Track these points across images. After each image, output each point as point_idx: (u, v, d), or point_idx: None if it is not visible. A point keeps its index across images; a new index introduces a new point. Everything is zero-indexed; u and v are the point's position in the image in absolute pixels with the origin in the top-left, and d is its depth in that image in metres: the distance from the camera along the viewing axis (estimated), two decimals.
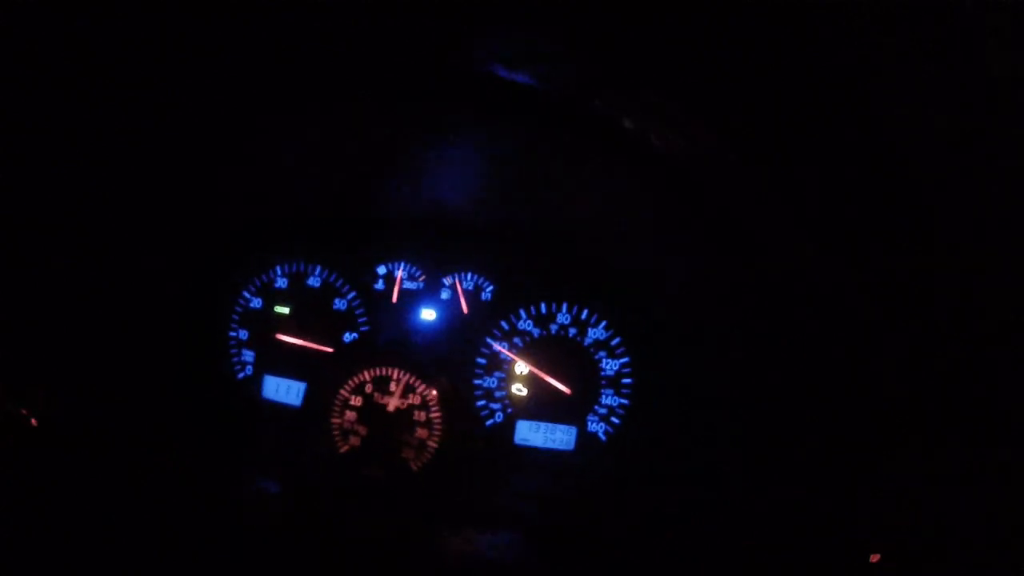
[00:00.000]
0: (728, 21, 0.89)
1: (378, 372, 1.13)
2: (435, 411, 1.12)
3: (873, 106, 0.97)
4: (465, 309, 1.49)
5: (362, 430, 1.11)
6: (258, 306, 1.55)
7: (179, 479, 1.33)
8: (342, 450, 1.13)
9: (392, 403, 1.12)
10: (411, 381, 1.13)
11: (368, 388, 1.13)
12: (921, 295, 1.14)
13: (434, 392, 1.12)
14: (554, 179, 1.37)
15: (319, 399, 1.15)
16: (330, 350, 1.45)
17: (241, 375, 1.55)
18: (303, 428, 1.17)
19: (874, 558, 1.15)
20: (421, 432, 1.12)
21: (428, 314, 1.49)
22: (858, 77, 0.94)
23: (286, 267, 1.54)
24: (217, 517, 1.27)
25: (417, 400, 1.12)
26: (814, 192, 1.15)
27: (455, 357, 1.47)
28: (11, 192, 1.24)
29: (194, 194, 1.47)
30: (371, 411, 1.12)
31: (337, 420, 1.13)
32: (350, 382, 1.13)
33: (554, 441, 1.50)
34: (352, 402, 1.13)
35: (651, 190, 1.33)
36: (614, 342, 1.50)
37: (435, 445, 1.12)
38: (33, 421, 1.37)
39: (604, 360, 1.50)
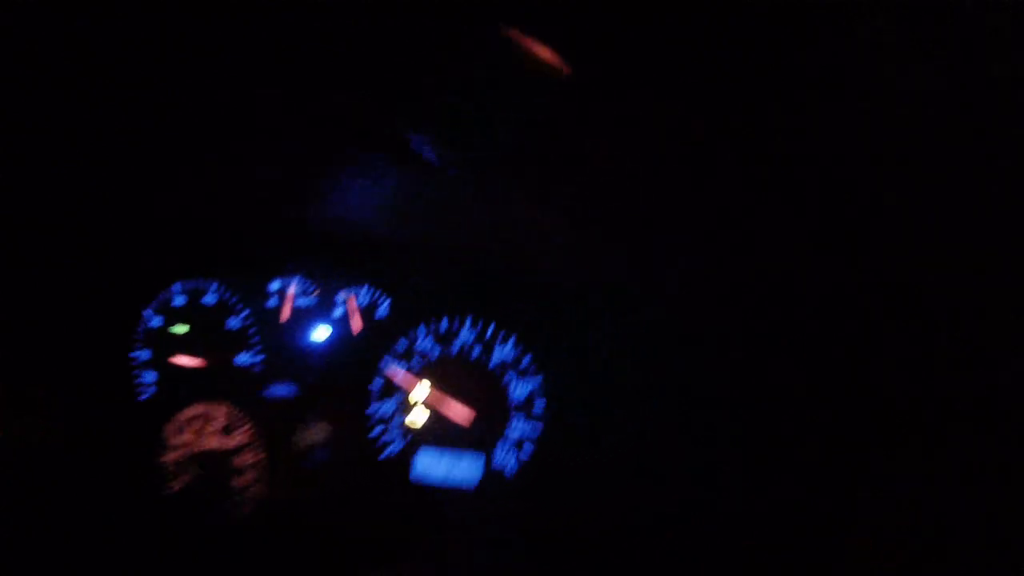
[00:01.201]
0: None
1: (204, 409, 1.03)
2: (259, 454, 1.00)
3: (871, 105, 0.93)
4: (356, 327, 1.36)
5: (192, 471, 1.01)
6: (158, 324, 1.48)
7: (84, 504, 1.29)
8: (175, 489, 1.02)
9: (214, 444, 1.01)
10: (235, 419, 1.01)
11: (194, 425, 1.03)
12: (913, 295, 1.08)
13: (258, 433, 1.00)
14: (458, 201, 1.26)
15: (149, 434, 1.05)
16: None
17: (144, 396, 1.49)
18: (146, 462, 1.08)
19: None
20: (247, 477, 1.00)
21: (321, 332, 1.38)
22: (855, 76, 0.90)
23: (186, 283, 1.47)
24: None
25: (242, 440, 1.00)
26: (807, 192, 1.10)
27: (346, 381, 1.35)
28: None
29: (99, 209, 1.44)
30: (198, 451, 1.01)
31: (164, 458, 1.03)
32: (174, 419, 1.03)
33: (459, 470, 1.34)
34: (177, 440, 1.03)
35: (562, 203, 1.20)
36: (524, 362, 1.33)
37: (263, 492, 1.00)
38: None
39: (514, 383, 1.33)
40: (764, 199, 1.14)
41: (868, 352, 1.13)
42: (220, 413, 1.03)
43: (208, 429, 1.03)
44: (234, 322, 1.42)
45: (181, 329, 1.46)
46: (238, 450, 1.02)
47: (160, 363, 1.47)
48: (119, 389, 1.50)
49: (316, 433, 1.14)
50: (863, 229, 1.09)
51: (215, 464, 1.02)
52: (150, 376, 1.49)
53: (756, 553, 1.06)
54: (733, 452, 1.16)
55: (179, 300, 1.47)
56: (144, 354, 1.49)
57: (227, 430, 1.03)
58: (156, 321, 1.49)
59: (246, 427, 1.02)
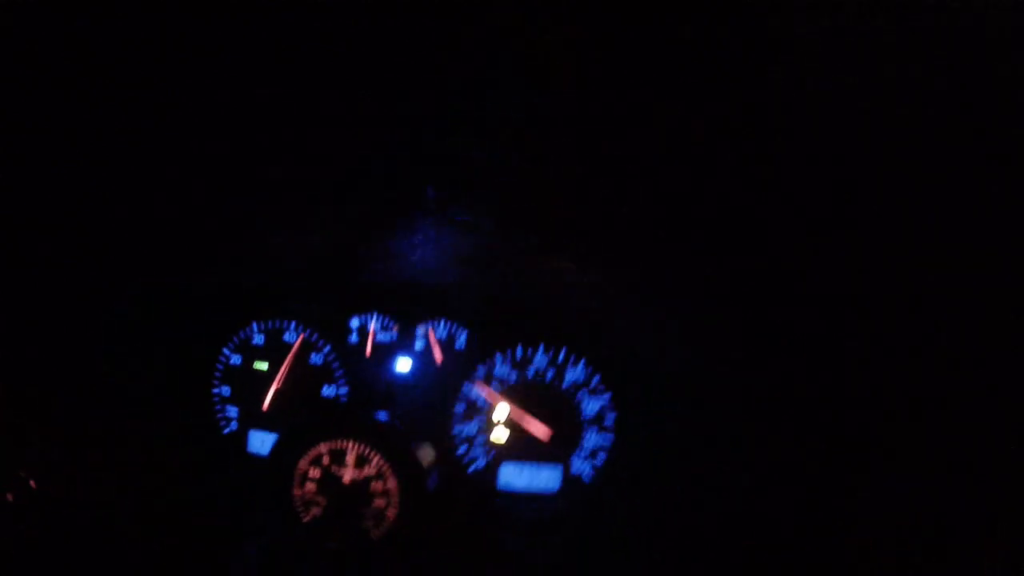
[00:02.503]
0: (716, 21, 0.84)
1: (334, 445, 1.14)
2: (390, 481, 1.12)
3: (871, 105, 0.93)
4: (439, 358, 1.48)
5: (322, 501, 1.13)
6: (238, 363, 1.56)
7: (170, 540, 1.37)
8: (305, 520, 1.14)
9: (347, 475, 1.12)
10: (365, 452, 1.13)
11: (325, 460, 1.14)
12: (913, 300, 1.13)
13: (387, 462, 1.13)
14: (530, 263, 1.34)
15: (280, 464, 1.16)
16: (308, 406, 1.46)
17: (227, 431, 1.57)
18: (269, 496, 1.18)
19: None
20: (378, 502, 1.13)
21: (403, 365, 1.48)
22: (852, 75, 0.89)
23: (262, 324, 1.54)
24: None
25: (372, 471, 1.13)
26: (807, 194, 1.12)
27: (433, 406, 1.47)
28: None
29: (179, 251, 1.47)
30: (329, 482, 1.13)
31: (298, 492, 1.14)
32: (308, 455, 1.14)
33: (539, 483, 1.49)
34: (311, 474, 1.14)
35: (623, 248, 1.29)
36: (594, 381, 1.47)
37: (394, 513, 1.12)
38: (32, 483, 1.41)
39: (585, 400, 1.48)
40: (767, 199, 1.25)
41: (857, 385, 1.23)
42: (349, 447, 1.14)
43: (340, 462, 1.15)
44: (317, 358, 1.51)
45: (261, 366, 1.54)
46: (369, 480, 1.13)
47: (241, 399, 1.56)
48: (202, 424, 1.58)
49: (427, 455, 1.27)
50: (857, 232, 1.14)
51: (348, 494, 1.13)
52: (232, 411, 1.57)
53: (822, 549, 1.23)
54: (795, 452, 1.31)
55: (258, 339, 1.55)
56: (224, 390, 1.57)
57: (359, 462, 1.14)
58: (236, 359, 1.56)
59: (376, 457, 1.13)
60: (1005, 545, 1.03)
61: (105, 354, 1.51)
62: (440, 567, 1.30)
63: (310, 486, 1.14)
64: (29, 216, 1.31)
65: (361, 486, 1.13)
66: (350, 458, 1.14)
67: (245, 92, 1.07)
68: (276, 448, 1.17)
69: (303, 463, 1.15)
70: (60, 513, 1.39)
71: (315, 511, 1.16)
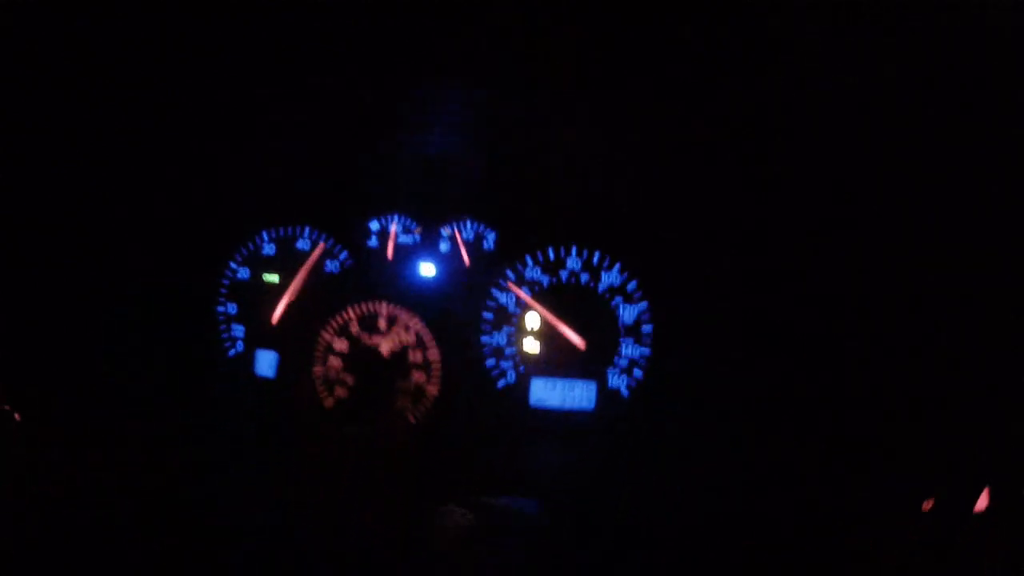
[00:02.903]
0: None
1: (364, 309, 0.98)
2: (432, 350, 0.97)
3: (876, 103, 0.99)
4: (467, 260, 1.37)
5: (349, 379, 0.96)
6: (246, 277, 1.44)
7: (172, 470, 1.23)
8: (327, 405, 0.98)
9: (385, 345, 0.98)
10: (400, 315, 0.98)
11: (353, 329, 0.98)
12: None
13: (427, 329, 0.98)
14: (559, 134, 1.29)
15: (297, 351, 1.01)
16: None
17: (232, 352, 1.45)
18: (286, 391, 1.04)
19: (927, 505, 1.08)
20: (418, 376, 0.97)
21: (427, 269, 1.37)
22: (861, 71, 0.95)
23: (273, 232, 1.44)
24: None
25: (411, 339, 0.97)
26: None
27: (459, 313, 1.35)
28: None
29: (177, 168, 1.39)
30: (358, 355, 0.97)
31: (320, 369, 0.98)
32: (332, 323, 0.98)
33: (573, 399, 1.37)
34: (336, 346, 0.98)
35: (664, 140, 1.25)
36: (630, 287, 1.37)
37: (435, 391, 0.97)
38: (16, 416, 1.29)
39: (621, 307, 1.37)
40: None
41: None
42: (383, 310, 1.00)
43: (371, 329, 0.99)
44: (333, 266, 1.40)
45: (272, 278, 1.43)
46: (406, 350, 0.99)
47: (248, 317, 1.44)
48: (207, 345, 1.45)
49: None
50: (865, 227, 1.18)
51: (380, 366, 0.98)
52: (238, 330, 1.45)
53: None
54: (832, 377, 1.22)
55: (268, 249, 1.44)
56: (231, 307, 1.45)
57: (390, 327, 0.99)
58: (243, 273, 1.45)
59: (416, 323, 0.99)
60: (1005, 545, 1.00)
61: (104, 268, 1.39)
62: (469, 482, 1.17)
63: (335, 361, 1.00)
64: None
65: (397, 357, 0.98)
66: (383, 324, 0.99)
67: None
68: (296, 326, 1.04)
69: (327, 333, 1.00)
70: (55, 452, 1.25)
71: (340, 392, 1.01)
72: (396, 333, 0.98)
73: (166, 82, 1.25)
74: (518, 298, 1.36)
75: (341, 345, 0.98)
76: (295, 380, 1.00)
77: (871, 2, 0.82)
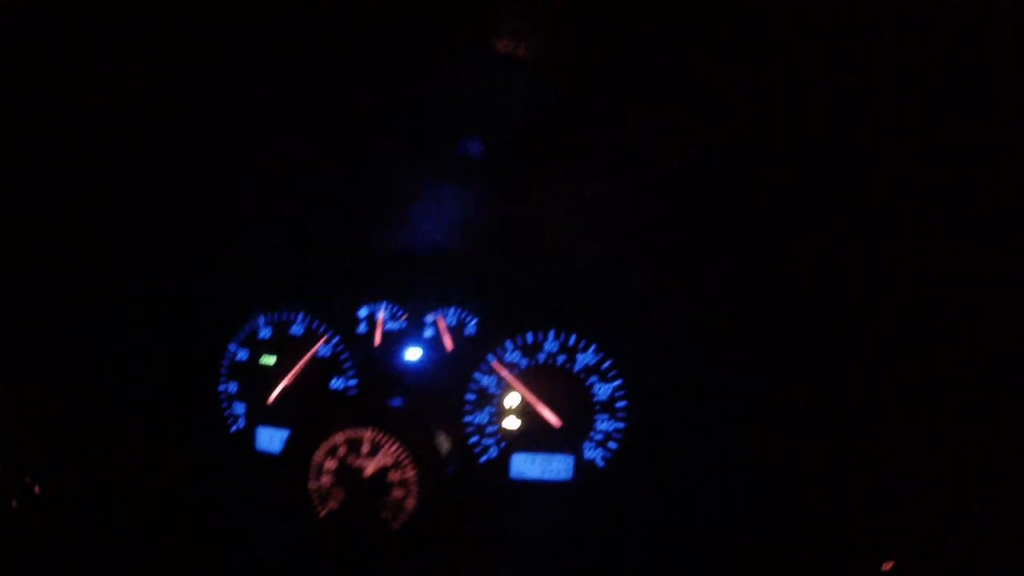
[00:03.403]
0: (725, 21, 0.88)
1: (351, 435, 1.11)
2: (409, 470, 1.09)
3: (872, 104, 0.96)
4: (449, 346, 1.47)
5: (339, 494, 1.10)
6: (244, 358, 1.54)
7: (178, 543, 1.33)
8: (321, 515, 1.11)
9: (369, 467, 1.10)
10: (382, 441, 1.11)
11: (341, 451, 1.11)
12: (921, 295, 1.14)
13: (404, 450, 1.10)
14: (536, 225, 1.37)
15: (294, 457, 1.13)
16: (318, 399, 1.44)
17: (233, 428, 1.55)
18: (283, 490, 1.15)
19: (887, 566, 1.12)
20: (397, 493, 1.10)
21: (413, 354, 1.47)
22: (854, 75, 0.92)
23: (270, 316, 1.53)
24: None
25: (389, 460, 1.10)
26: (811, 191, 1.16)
27: (444, 395, 1.45)
28: None
29: (185, 249, 1.47)
30: (346, 474, 1.10)
31: (314, 485, 1.11)
32: (323, 446, 1.11)
33: (551, 472, 1.47)
34: (326, 466, 1.11)
35: (640, 207, 1.32)
36: (605, 366, 1.47)
37: (413, 503, 1.09)
38: (36, 489, 1.38)
39: (596, 385, 1.47)
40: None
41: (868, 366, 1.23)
42: (366, 436, 1.12)
43: (357, 452, 1.12)
44: (325, 350, 1.50)
45: (269, 360, 1.52)
46: (386, 469, 1.11)
47: (248, 395, 1.54)
48: (209, 423, 1.55)
49: (444, 443, 1.25)
50: (861, 228, 1.18)
51: (365, 485, 1.10)
52: (239, 407, 1.54)
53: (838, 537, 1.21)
54: (804, 447, 1.30)
55: (264, 333, 1.53)
56: (231, 386, 1.55)
57: (374, 451, 1.11)
58: (242, 354, 1.54)
59: (393, 446, 1.11)
60: (1005, 545, 1.02)
61: (107, 352, 1.49)
62: (457, 557, 1.28)
63: (326, 479, 1.12)
64: (29, 215, 1.31)
65: (380, 476, 1.10)
66: (366, 448, 1.11)
67: (242, 74, 1.08)
68: (290, 440, 1.15)
69: (318, 455, 1.13)
70: (61, 515, 1.35)
71: (332, 505, 1.13)
72: (379, 455, 1.10)
73: (162, 159, 1.28)
74: (499, 379, 1.46)
75: (330, 464, 1.10)
76: (289, 495, 1.11)
77: (871, 2, 0.81)
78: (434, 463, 1.14)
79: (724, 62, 0.96)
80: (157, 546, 1.33)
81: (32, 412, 1.40)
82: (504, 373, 1.45)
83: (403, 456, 1.11)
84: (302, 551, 1.17)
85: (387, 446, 1.11)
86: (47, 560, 1.26)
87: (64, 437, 1.42)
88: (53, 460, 1.39)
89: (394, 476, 1.11)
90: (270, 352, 1.52)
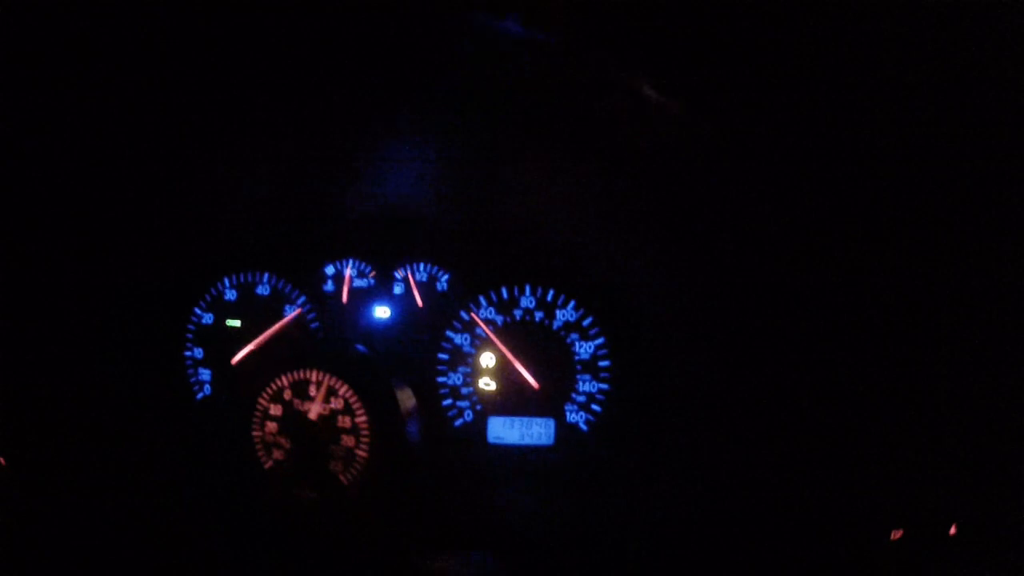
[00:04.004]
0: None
1: (296, 376, 1.02)
2: (360, 415, 1.00)
3: (869, 103, 0.94)
4: (420, 302, 1.38)
5: (285, 442, 1.01)
6: (210, 321, 1.47)
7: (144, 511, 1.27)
8: (267, 465, 1.02)
9: (313, 409, 1.00)
10: (332, 383, 1.02)
11: (287, 395, 1.02)
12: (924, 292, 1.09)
13: (356, 394, 1.01)
14: (510, 176, 1.28)
15: (235, 411, 1.05)
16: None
17: (200, 395, 1.48)
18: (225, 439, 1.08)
19: (896, 535, 1.03)
20: (347, 440, 1.01)
21: (382, 312, 1.39)
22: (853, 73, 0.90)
23: (234, 278, 1.46)
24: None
25: (340, 404, 1.00)
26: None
27: (415, 355, 1.37)
28: None
29: (143, 208, 1.41)
30: (292, 420, 1.01)
31: (258, 433, 1.02)
32: (267, 390, 1.03)
33: (531, 436, 1.38)
34: (272, 411, 1.02)
35: (612, 179, 1.23)
36: (586, 322, 1.37)
37: (364, 454, 1.00)
38: (1, 460, 1.33)
39: (577, 343, 1.37)
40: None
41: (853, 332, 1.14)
42: (313, 378, 1.03)
43: (308, 395, 1.03)
44: (291, 310, 1.42)
45: (235, 323, 1.45)
46: (335, 415, 1.02)
47: (215, 360, 1.47)
48: (175, 389, 1.49)
49: (407, 398, 1.16)
50: (856, 225, 1.15)
51: (314, 433, 1.01)
52: (205, 374, 1.48)
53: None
54: (791, 412, 1.21)
55: (230, 295, 1.47)
56: (197, 352, 1.48)
57: (326, 396, 1.03)
58: (207, 318, 1.48)
59: (345, 390, 1.02)
60: (1005, 545, 0.99)
61: (70, 321, 1.43)
62: (424, 522, 1.19)
63: (271, 425, 1.03)
64: None
65: (328, 422, 1.01)
66: (313, 390, 1.03)
67: (206, 33, 1.02)
68: (234, 384, 1.07)
69: (263, 399, 1.04)
70: (26, 483, 1.30)
71: (277, 454, 1.04)
72: (327, 398, 1.00)
73: (132, 134, 1.26)
74: (473, 338, 1.37)
75: (275, 410, 1.01)
76: (233, 443, 1.03)
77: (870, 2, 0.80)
78: (389, 410, 1.05)
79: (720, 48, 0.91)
80: (123, 514, 1.27)
81: None
82: (482, 326, 1.36)
83: (354, 401, 1.02)
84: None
85: (336, 388, 1.03)
86: (13, 525, 1.20)
87: (28, 407, 1.37)
88: (17, 429, 1.35)
89: (343, 421, 1.03)
90: (235, 315, 1.45)
